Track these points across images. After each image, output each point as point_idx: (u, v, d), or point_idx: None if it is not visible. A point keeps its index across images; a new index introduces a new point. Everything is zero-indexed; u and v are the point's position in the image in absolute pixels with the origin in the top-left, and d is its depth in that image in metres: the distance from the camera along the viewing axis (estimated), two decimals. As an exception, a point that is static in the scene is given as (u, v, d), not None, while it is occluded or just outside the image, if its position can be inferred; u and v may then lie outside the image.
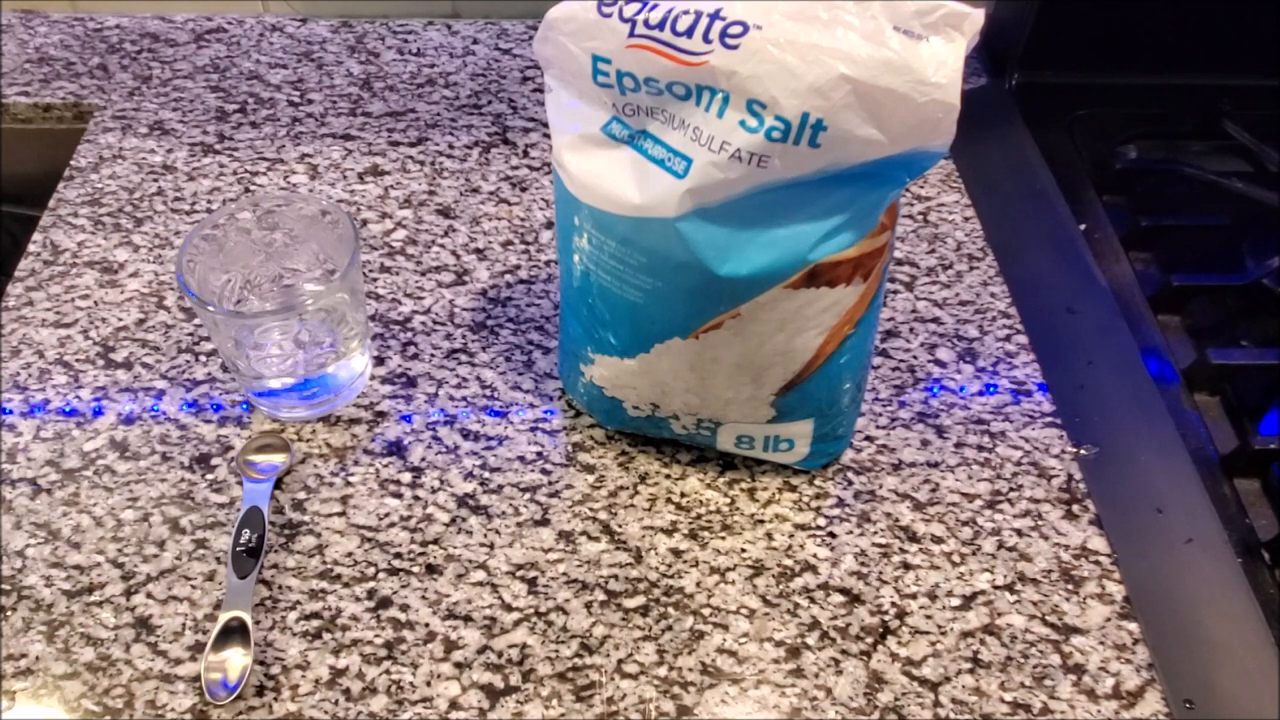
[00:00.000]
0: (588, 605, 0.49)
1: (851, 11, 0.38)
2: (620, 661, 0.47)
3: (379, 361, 0.60)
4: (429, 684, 0.46)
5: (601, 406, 0.54)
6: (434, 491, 0.53)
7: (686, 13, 0.39)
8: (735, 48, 0.38)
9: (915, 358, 0.61)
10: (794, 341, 0.46)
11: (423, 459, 0.55)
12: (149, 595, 0.49)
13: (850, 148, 0.40)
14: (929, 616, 0.49)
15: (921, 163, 0.41)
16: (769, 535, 0.52)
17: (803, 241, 0.43)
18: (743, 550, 0.51)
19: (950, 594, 0.50)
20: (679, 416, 0.51)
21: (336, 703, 0.45)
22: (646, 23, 0.40)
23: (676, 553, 0.51)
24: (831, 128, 0.39)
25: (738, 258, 0.43)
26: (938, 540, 0.52)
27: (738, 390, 0.49)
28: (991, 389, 0.59)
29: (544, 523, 0.52)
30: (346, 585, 0.49)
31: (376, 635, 0.47)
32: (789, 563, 0.51)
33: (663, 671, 0.47)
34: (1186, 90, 0.79)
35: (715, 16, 0.39)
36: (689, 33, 0.39)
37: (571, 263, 0.49)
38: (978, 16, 0.39)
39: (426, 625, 0.48)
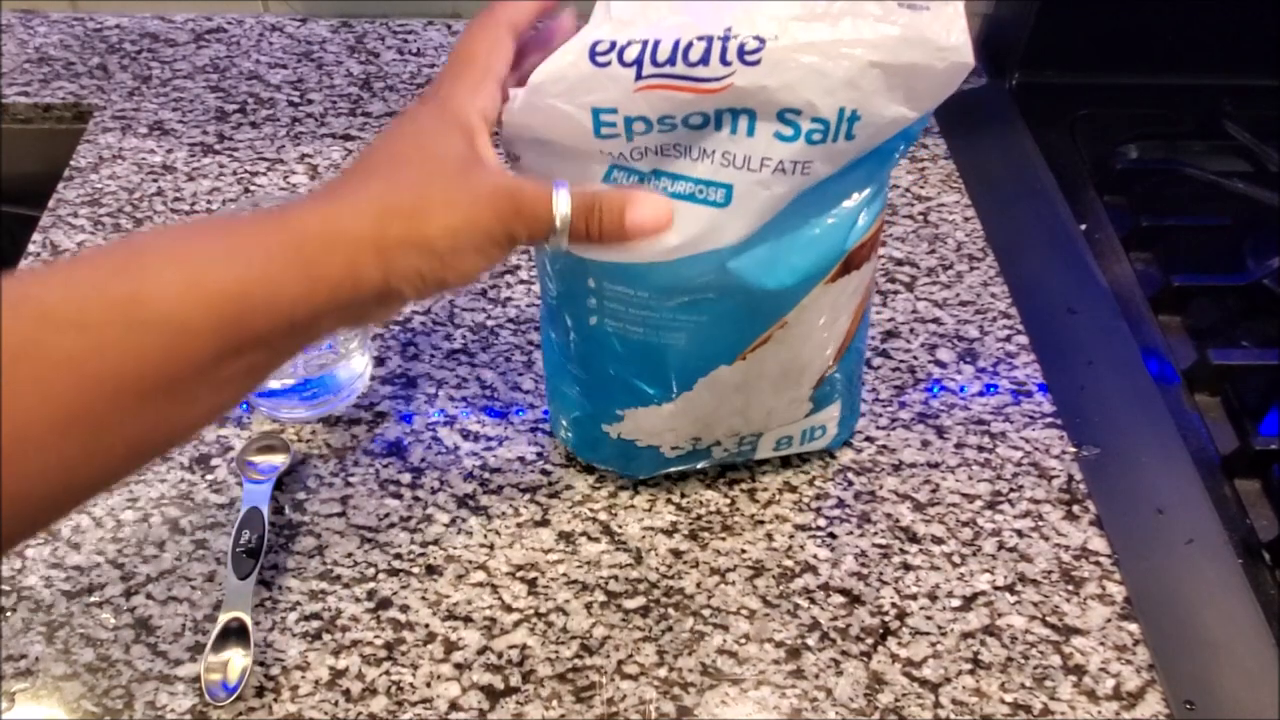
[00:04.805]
0: (588, 606, 0.49)
1: None
2: (620, 662, 0.47)
3: (379, 362, 0.60)
4: (429, 685, 0.46)
5: (630, 460, 0.52)
6: (434, 492, 0.53)
7: (697, 40, 0.38)
8: (757, 63, 0.38)
9: (915, 358, 0.61)
10: (831, 331, 0.47)
11: (422, 459, 0.55)
12: (149, 596, 0.49)
13: (882, 129, 0.40)
14: (929, 617, 0.49)
15: (919, 127, 0.42)
16: (769, 536, 0.52)
17: (838, 234, 0.43)
18: (743, 551, 0.51)
19: (950, 595, 0.50)
20: (720, 442, 0.51)
21: (336, 704, 0.45)
22: (655, 61, 0.38)
23: (676, 553, 0.51)
24: (865, 116, 0.39)
25: (783, 268, 0.43)
26: (938, 541, 0.52)
27: (781, 397, 0.49)
28: (992, 389, 0.59)
29: (544, 523, 0.52)
30: (346, 586, 0.49)
31: (376, 636, 0.47)
32: (789, 563, 0.51)
33: (663, 672, 0.47)
34: (1187, 90, 0.79)
35: (727, 38, 0.37)
36: (704, 60, 0.38)
37: (585, 328, 0.47)
38: None
39: (426, 626, 0.48)
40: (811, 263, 0.44)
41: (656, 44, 0.38)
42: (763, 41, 0.37)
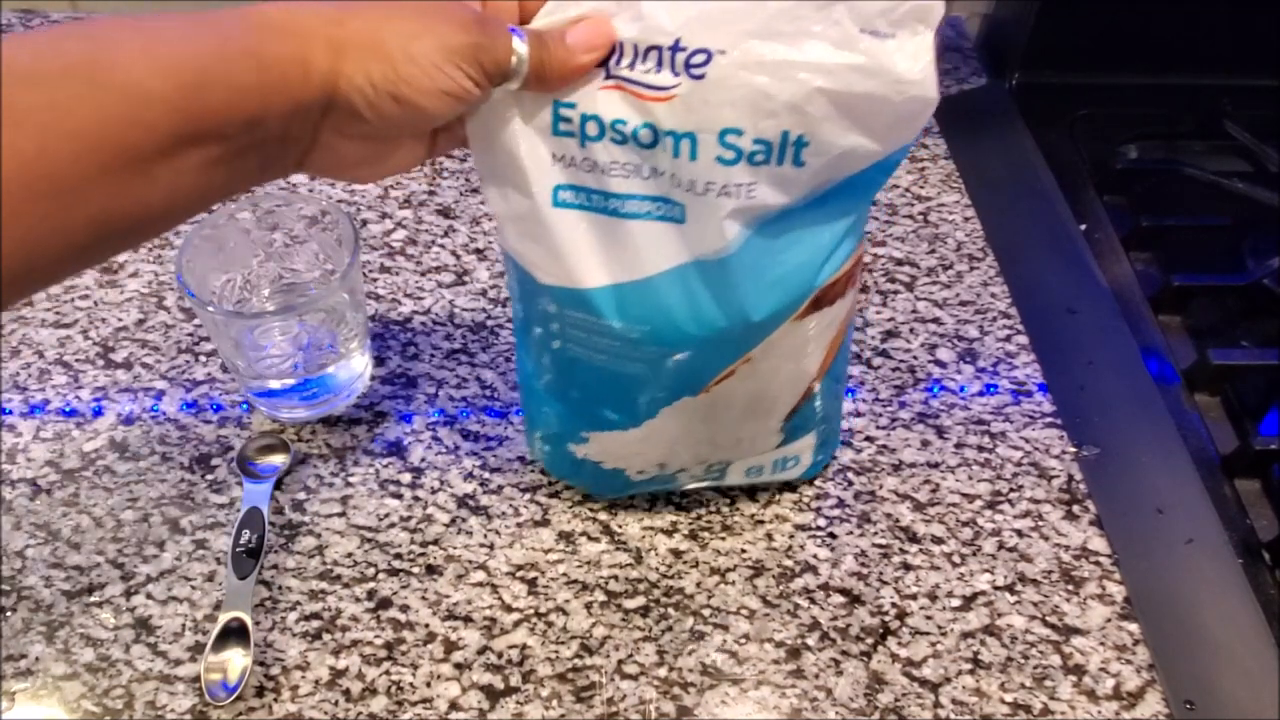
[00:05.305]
0: (588, 606, 0.49)
1: (816, 20, 0.36)
2: (620, 662, 0.47)
3: (379, 361, 0.60)
4: (429, 685, 0.46)
5: (598, 480, 0.51)
6: (434, 492, 0.53)
7: (651, 49, 0.37)
8: (701, 77, 0.36)
9: (915, 358, 0.61)
10: (800, 366, 0.45)
11: (423, 459, 0.55)
12: (149, 596, 0.49)
13: (838, 160, 0.38)
14: (929, 617, 0.49)
15: (897, 158, 0.40)
16: (769, 536, 0.52)
17: (808, 271, 0.42)
18: (743, 551, 0.51)
19: (950, 595, 0.50)
20: (687, 468, 0.50)
21: (336, 703, 0.45)
22: (618, 64, 0.38)
23: (676, 553, 0.51)
24: (814, 142, 0.37)
25: (749, 305, 0.41)
26: (938, 541, 0.52)
27: (749, 428, 0.48)
28: (992, 389, 0.59)
29: (544, 523, 0.52)
30: (346, 586, 0.49)
31: (376, 636, 0.47)
32: (789, 563, 0.51)
33: (663, 672, 0.47)
34: (1186, 90, 0.79)
35: (675, 48, 0.36)
36: (658, 67, 0.37)
37: (549, 352, 0.46)
38: (940, 6, 0.37)
39: (426, 626, 0.48)
40: (778, 300, 0.42)
41: (620, 47, 0.37)
42: (709, 55, 0.36)
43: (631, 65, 0.37)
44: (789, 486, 0.54)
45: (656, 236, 0.40)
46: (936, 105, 0.38)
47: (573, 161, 0.40)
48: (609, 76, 0.38)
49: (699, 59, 0.36)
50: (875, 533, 0.52)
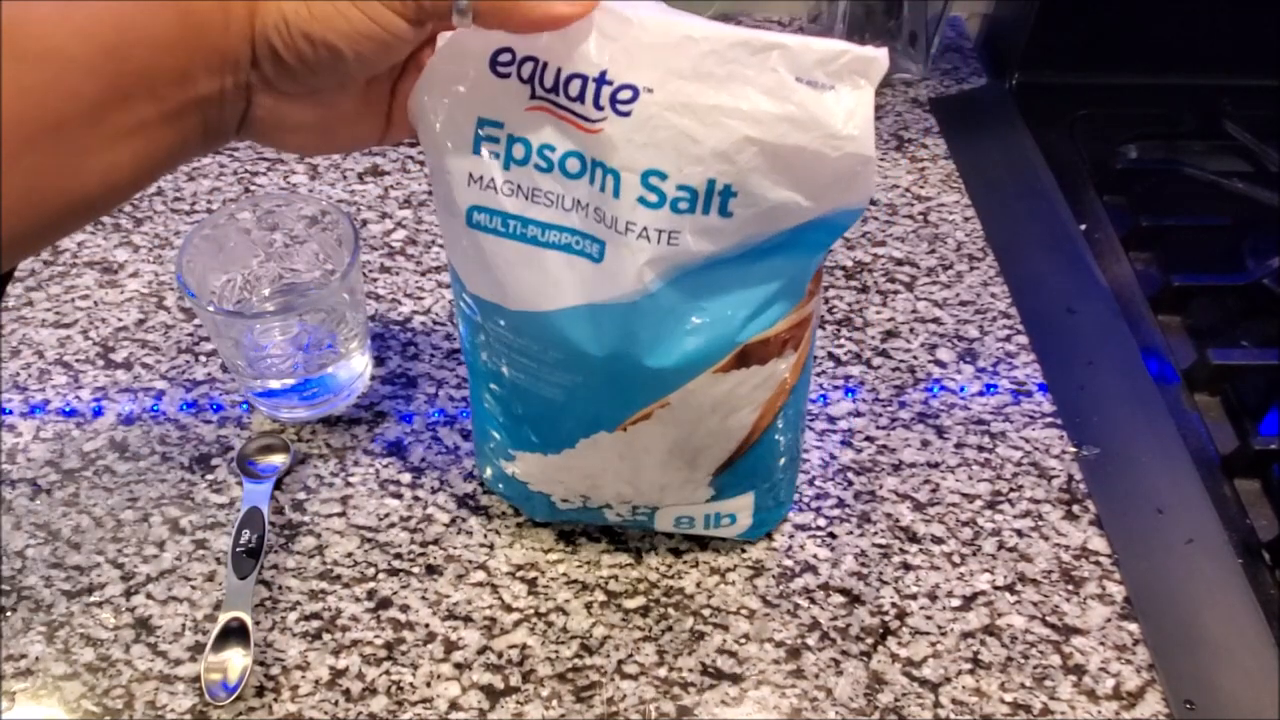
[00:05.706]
0: (588, 606, 0.49)
1: (749, 64, 0.34)
2: (620, 662, 0.47)
3: (379, 362, 0.60)
4: (429, 684, 0.46)
5: (527, 501, 0.50)
6: (434, 492, 0.53)
7: (575, 76, 0.35)
8: (628, 114, 0.35)
9: (915, 358, 0.61)
10: (727, 422, 0.43)
11: (422, 459, 0.55)
12: (149, 596, 0.49)
13: (769, 214, 0.36)
14: (929, 617, 0.49)
15: (842, 222, 0.38)
16: (769, 535, 0.52)
17: (729, 325, 0.39)
18: (743, 551, 0.51)
19: (950, 594, 0.50)
20: (612, 505, 0.48)
21: (336, 703, 0.45)
22: (543, 84, 0.36)
23: (676, 553, 0.51)
24: (741, 193, 0.36)
25: (663, 348, 0.39)
26: (938, 541, 0.52)
27: (672, 476, 0.46)
28: (992, 389, 0.59)
29: (544, 523, 0.52)
30: (346, 586, 0.49)
31: (376, 636, 0.47)
32: (789, 563, 0.51)
33: (663, 672, 0.47)
34: (1186, 90, 0.79)
35: (601, 81, 0.35)
36: (581, 98, 0.35)
37: (478, 363, 0.45)
38: (883, 60, 0.34)
39: (426, 626, 0.48)
40: (695, 349, 0.39)
41: (544, 66, 0.36)
42: (636, 92, 0.35)
43: (556, 90, 0.36)
44: (789, 486, 0.54)
45: (572, 271, 0.39)
46: (874, 165, 0.36)
47: (490, 184, 0.38)
48: (534, 96, 0.36)
49: (625, 95, 0.35)
50: (875, 533, 0.52)
